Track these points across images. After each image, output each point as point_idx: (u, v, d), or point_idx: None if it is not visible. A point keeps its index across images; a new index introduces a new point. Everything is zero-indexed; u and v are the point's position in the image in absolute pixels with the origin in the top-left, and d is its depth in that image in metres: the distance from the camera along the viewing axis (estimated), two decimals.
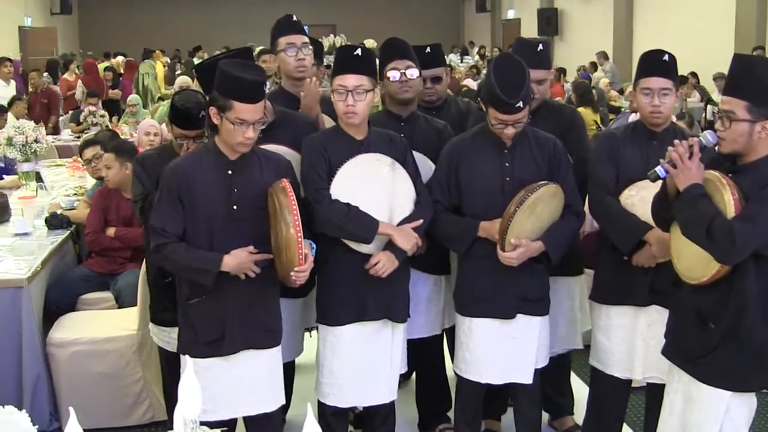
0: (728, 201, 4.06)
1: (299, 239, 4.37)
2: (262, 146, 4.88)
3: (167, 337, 5.49)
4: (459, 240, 5.12)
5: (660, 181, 4.41)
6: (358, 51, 4.94)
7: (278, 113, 5.24)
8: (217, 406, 4.70)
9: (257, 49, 11.34)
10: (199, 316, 4.68)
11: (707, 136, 4.27)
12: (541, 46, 5.52)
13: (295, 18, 5.70)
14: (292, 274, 4.48)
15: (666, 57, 4.99)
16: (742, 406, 4.33)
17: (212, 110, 4.59)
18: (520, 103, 4.80)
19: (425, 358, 5.89)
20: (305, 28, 5.73)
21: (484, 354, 5.15)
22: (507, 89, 4.79)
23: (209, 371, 4.66)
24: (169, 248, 4.56)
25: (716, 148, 4.28)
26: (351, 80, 4.84)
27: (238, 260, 4.57)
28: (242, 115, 4.46)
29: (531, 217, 4.87)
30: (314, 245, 4.67)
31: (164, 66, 24.21)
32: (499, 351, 5.13)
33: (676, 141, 4.27)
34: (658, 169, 4.32)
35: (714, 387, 4.27)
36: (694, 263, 4.26)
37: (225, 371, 4.72)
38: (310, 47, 5.70)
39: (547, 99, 5.72)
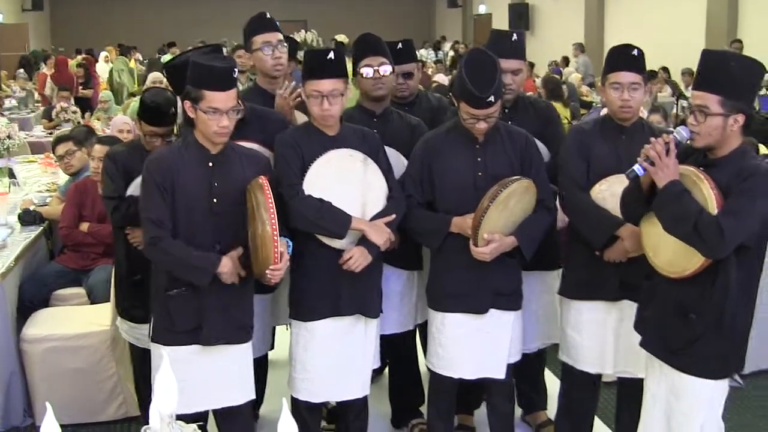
0: (708, 195, 4.12)
1: (275, 237, 4.37)
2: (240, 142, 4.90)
3: (138, 334, 5.52)
4: (431, 235, 5.14)
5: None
6: (331, 55, 4.93)
7: (249, 110, 5.23)
8: (189, 400, 4.68)
9: (232, 45, 11.35)
10: (178, 306, 4.68)
11: (681, 132, 4.31)
12: (515, 36, 5.56)
13: (269, 15, 5.70)
14: (267, 272, 4.50)
15: (635, 51, 5.01)
16: (720, 393, 4.40)
17: (186, 104, 4.60)
18: (492, 98, 4.81)
19: (398, 353, 5.92)
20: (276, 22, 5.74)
21: (457, 349, 5.17)
22: (478, 83, 4.81)
23: (182, 364, 4.61)
24: (165, 242, 4.55)
25: (688, 142, 4.32)
26: (326, 85, 4.85)
27: (233, 267, 4.61)
28: (214, 104, 4.47)
29: (504, 212, 4.89)
30: (290, 243, 4.68)
31: (140, 63, 24.17)
32: (472, 346, 5.15)
33: (653, 139, 4.30)
34: (636, 168, 4.34)
35: (698, 377, 4.33)
36: (674, 257, 4.30)
37: (197, 365, 4.72)
38: (285, 44, 5.72)
39: (522, 93, 5.74)
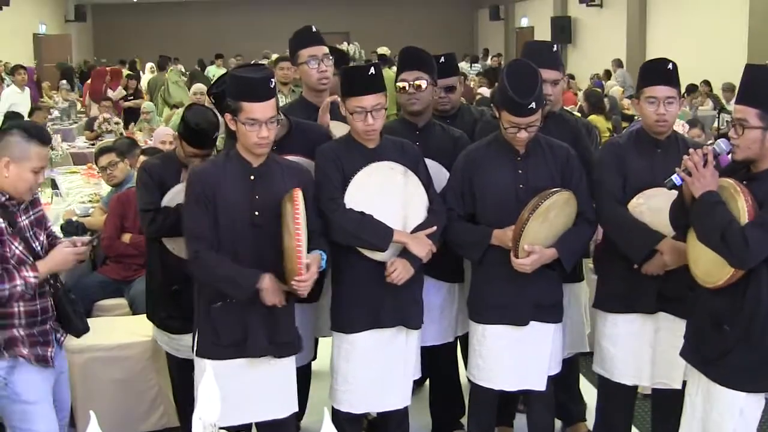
0: (742, 208, 4.15)
1: (299, 248, 4.39)
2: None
3: (176, 345, 5.54)
4: (472, 248, 5.14)
5: (674, 191, 4.48)
6: (372, 70, 4.97)
7: (293, 124, 5.27)
8: (232, 412, 4.72)
9: (273, 57, 11.36)
10: (222, 319, 4.71)
11: (721, 145, 4.36)
12: (553, 47, 5.59)
13: (314, 29, 5.72)
14: (292, 283, 4.52)
15: (669, 66, 5.02)
16: (754, 406, 4.41)
17: (227, 117, 4.65)
18: (533, 104, 4.82)
19: (438, 365, 5.91)
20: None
21: (498, 361, 5.17)
22: (519, 90, 4.82)
23: (226, 378, 4.63)
24: (207, 255, 4.59)
25: (729, 156, 4.34)
26: (369, 101, 4.87)
27: (275, 287, 4.63)
28: (252, 114, 4.51)
29: (544, 224, 4.89)
30: (324, 256, 4.69)
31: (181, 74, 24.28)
32: (513, 358, 5.15)
33: (691, 150, 4.34)
34: (674, 178, 4.39)
35: (729, 388, 4.35)
36: (711, 268, 4.33)
37: (242, 377, 4.74)
38: (331, 58, 5.74)
39: (556, 110, 5.73)
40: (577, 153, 5.29)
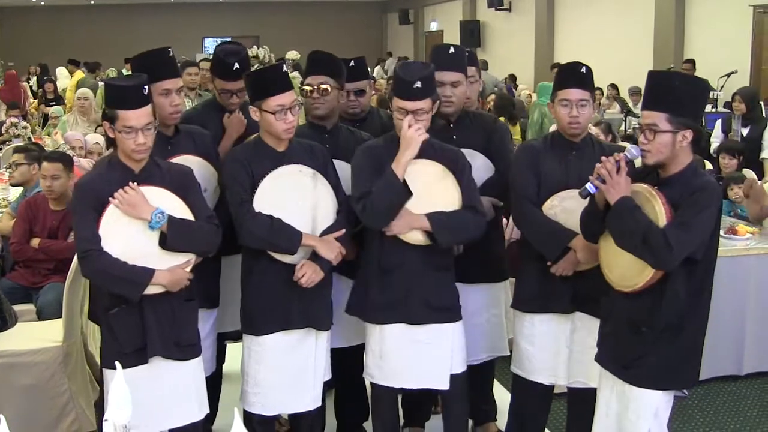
0: (659, 211, 4.27)
1: None
2: (172, 159, 5.00)
3: None
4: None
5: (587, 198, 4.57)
6: (283, 68, 5.03)
7: (177, 128, 5.32)
8: (145, 421, 4.69)
9: (182, 60, 11.27)
10: (121, 325, 4.70)
11: (632, 151, 4.46)
12: (452, 49, 5.60)
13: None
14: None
15: (583, 69, 5.09)
16: (667, 404, 4.53)
17: (106, 125, 4.70)
18: (418, 83, 4.86)
19: (345, 368, 5.88)
20: (228, 39, 5.75)
21: (397, 360, 5.19)
22: (407, 72, 4.93)
23: (135, 383, 4.65)
24: (96, 256, 4.56)
25: (639, 159, 4.45)
26: (288, 98, 4.91)
27: (174, 276, 4.66)
28: (128, 122, 4.54)
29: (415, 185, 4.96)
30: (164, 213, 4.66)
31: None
32: (411, 356, 5.17)
33: (603, 158, 4.44)
34: (589, 186, 4.48)
35: (646, 389, 4.45)
36: (627, 272, 4.43)
37: (150, 382, 4.74)
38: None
39: (468, 108, 5.78)
40: (491, 151, 5.46)
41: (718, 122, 11.98)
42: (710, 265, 4.48)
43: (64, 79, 22.16)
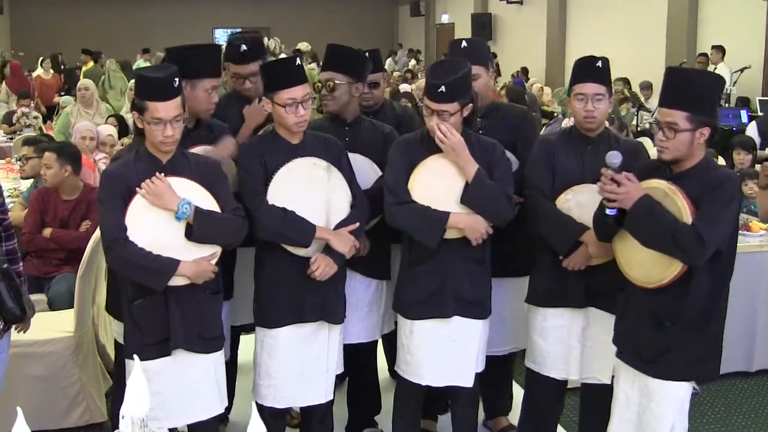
0: (682, 206, 4.27)
1: None
2: (190, 150, 4.95)
3: None
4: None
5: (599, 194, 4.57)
6: (297, 61, 5.03)
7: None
8: (168, 413, 4.75)
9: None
10: (145, 317, 4.70)
11: (611, 159, 4.46)
12: (464, 43, 5.58)
13: (243, 48, 5.64)
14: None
15: (599, 63, 5.08)
16: (688, 395, 4.54)
17: (134, 115, 4.68)
18: (442, 88, 4.84)
19: (358, 362, 5.89)
20: (239, 30, 5.73)
21: (425, 356, 5.20)
22: (435, 74, 4.93)
23: (159, 376, 4.69)
24: (122, 245, 4.55)
25: (658, 155, 4.45)
26: (299, 92, 4.90)
27: (199, 267, 4.64)
28: (157, 114, 4.52)
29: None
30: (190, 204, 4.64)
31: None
32: (440, 354, 5.18)
33: (599, 184, 4.49)
34: (609, 212, 4.50)
35: (673, 381, 4.46)
36: (651, 269, 4.43)
37: (173, 375, 4.74)
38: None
39: (497, 102, 5.79)
40: (519, 145, 5.46)
41: (753, 124, 12.00)
42: (732, 258, 4.49)
43: (41, 69, 22.08)
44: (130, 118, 8.56)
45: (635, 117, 15.87)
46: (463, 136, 4.99)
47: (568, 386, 5.56)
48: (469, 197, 4.96)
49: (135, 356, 3.10)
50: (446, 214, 4.96)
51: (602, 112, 5.11)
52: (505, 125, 5.60)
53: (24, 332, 5.11)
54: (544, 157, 5.19)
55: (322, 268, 4.96)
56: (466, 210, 4.99)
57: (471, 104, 5.01)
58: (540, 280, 5.34)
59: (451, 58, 5.30)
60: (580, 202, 5.03)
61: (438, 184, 5.00)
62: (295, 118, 4.92)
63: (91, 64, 21.53)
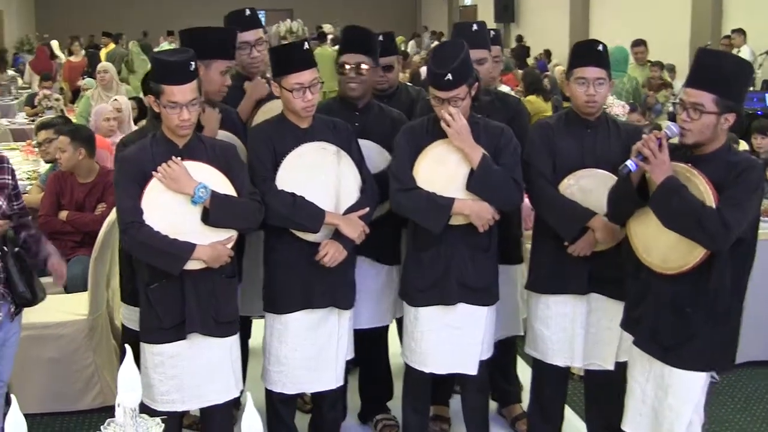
0: (705, 190, 4.22)
1: None
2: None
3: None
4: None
5: (613, 176, 4.51)
6: (305, 45, 5.01)
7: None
8: (184, 397, 4.78)
9: None
10: (161, 300, 4.71)
11: (672, 128, 4.38)
12: (475, 26, 5.57)
13: (248, 12, 5.64)
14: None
15: (600, 47, 5.06)
16: (705, 388, 4.48)
17: (150, 98, 4.68)
18: (449, 76, 4.82)
19: (369, 348, 5.87)
20: (261, 13, 5.70)
21: (429, 344, 5.18)
22: (438, 63, 4.87)
23: (175, 359, 4.72)
24: (138, 228, 4.56)
25: (677, 139, 4.39)
26: (307, 76, 4.89)
27: (215, 251, 4.64)
28: (173, 97, 4.52)
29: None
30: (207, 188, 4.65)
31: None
32: (444, 341, 5.16)
33: (645, 135, 4.38)
34: (629, 164, 4.39)
35: (692, 371, 4.40)
36: (671, 254, 4.36)
37: (188, 359, 4.76)
38: (265, 40, 5.70)
39: (491, 88, 5.75)
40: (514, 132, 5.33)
41: None
42: (753, 246, 4.45)
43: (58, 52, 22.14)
44: None
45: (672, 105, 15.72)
46: (471, 120, 4.98)
47: (575, 372, 5.53)
48: (475, 184, 4.94)
49: (126, 346, 3.09)
50: (451, 200, 4.94)
51: (603, 96, 5.09)
52: (500, 111, 5.56)
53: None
54: (543, 141, 5.16)
55: (331, 254, 4.94)
56: (472, 196, 4.96)
57: (477, 83, 5.01)
58: (541, 267, 5.31)
59: (447, 42, 5.28)
60: (582, 187, 4.99)
61: (443, 170, 4.98)
62: (303, 103, 4.90)
63: (112, 46, 21.59)
